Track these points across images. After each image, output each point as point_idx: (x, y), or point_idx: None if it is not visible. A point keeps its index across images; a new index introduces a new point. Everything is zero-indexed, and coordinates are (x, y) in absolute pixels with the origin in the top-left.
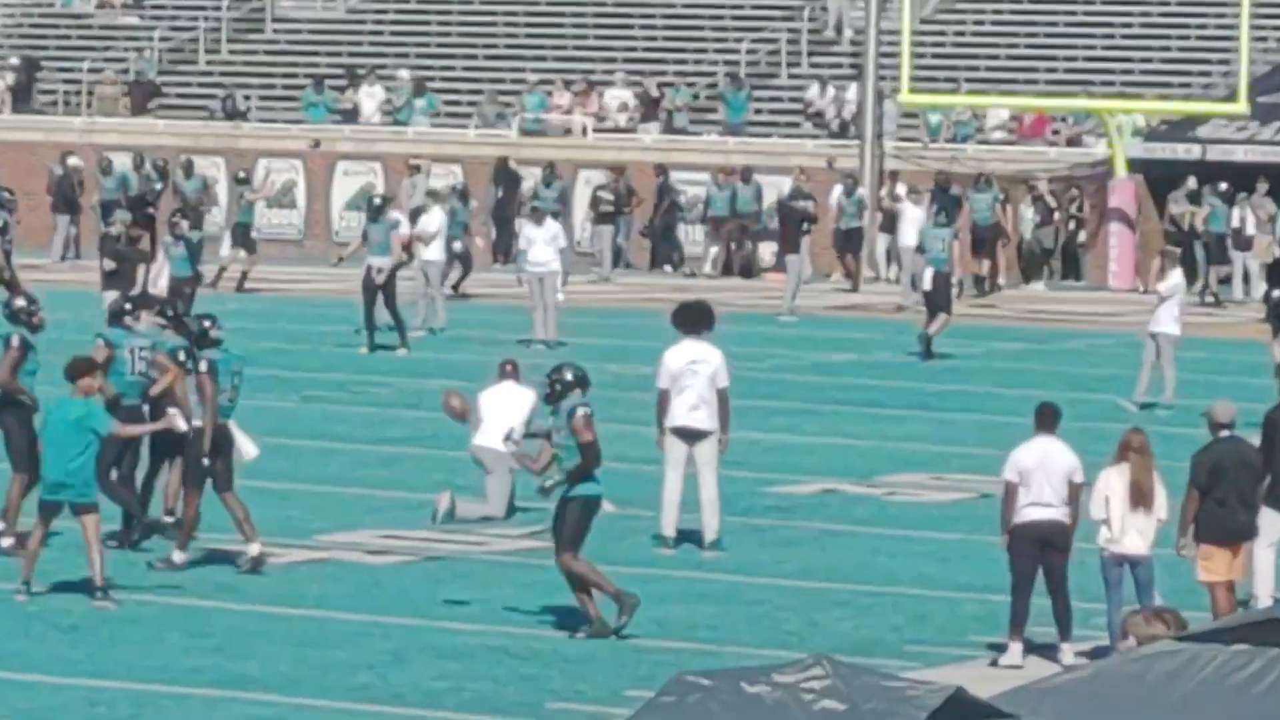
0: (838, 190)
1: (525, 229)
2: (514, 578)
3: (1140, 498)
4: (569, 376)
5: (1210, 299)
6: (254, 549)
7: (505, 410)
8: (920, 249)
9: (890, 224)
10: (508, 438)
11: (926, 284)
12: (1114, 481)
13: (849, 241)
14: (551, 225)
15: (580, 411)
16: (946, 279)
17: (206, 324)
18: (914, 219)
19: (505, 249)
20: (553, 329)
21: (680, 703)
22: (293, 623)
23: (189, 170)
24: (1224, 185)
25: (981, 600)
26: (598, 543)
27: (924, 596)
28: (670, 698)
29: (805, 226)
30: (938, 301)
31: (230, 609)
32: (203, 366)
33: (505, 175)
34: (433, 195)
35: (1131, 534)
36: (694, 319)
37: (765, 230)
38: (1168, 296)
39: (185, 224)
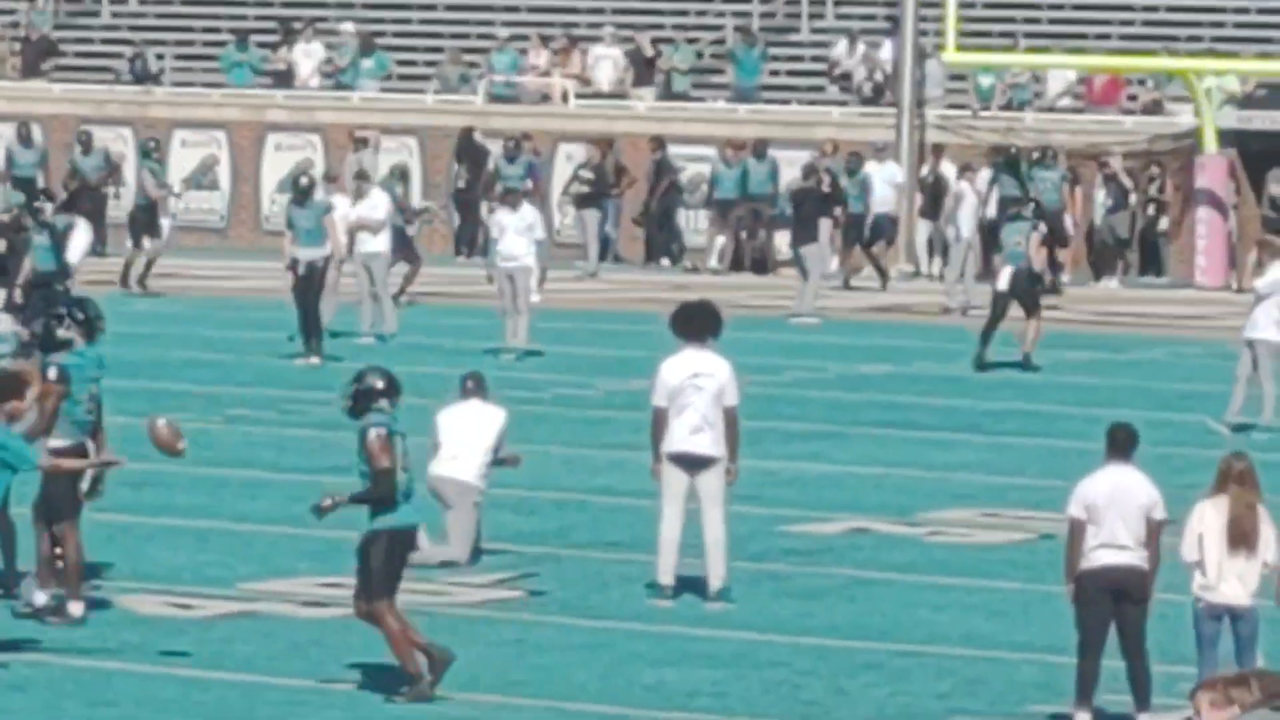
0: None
1: (497, 215)
2: (482, 635)
3: (1241, 538)
4: (372, 384)
5: None
6: (75, 608)
7: (469, 433)
8: (995, 242)
9: (934, 208)
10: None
11: (1003, 283)
12: (1210, 517)
13: (855, 230)
14: (528, 211)
15: (373, 433)
16: (1031, 276)
17: (52, 321)
18: (970, 204)
19: (470, 239)
20: (525, 334)
21: None
22: (215, 688)
23: (88, 145)
24: None
25: (1042, 662)
26: (579, 592)
27: (974, 658)
28: None
29: (834, 211)
30: (1027, 304)
31: (138, 671)
32: (50, 374)
33: (470, 150)
34: (363, 176)
35: (1231, 580)
36: (697, 324)
37: (783, 216)
38: (1266, 295)
39: (49, 207)
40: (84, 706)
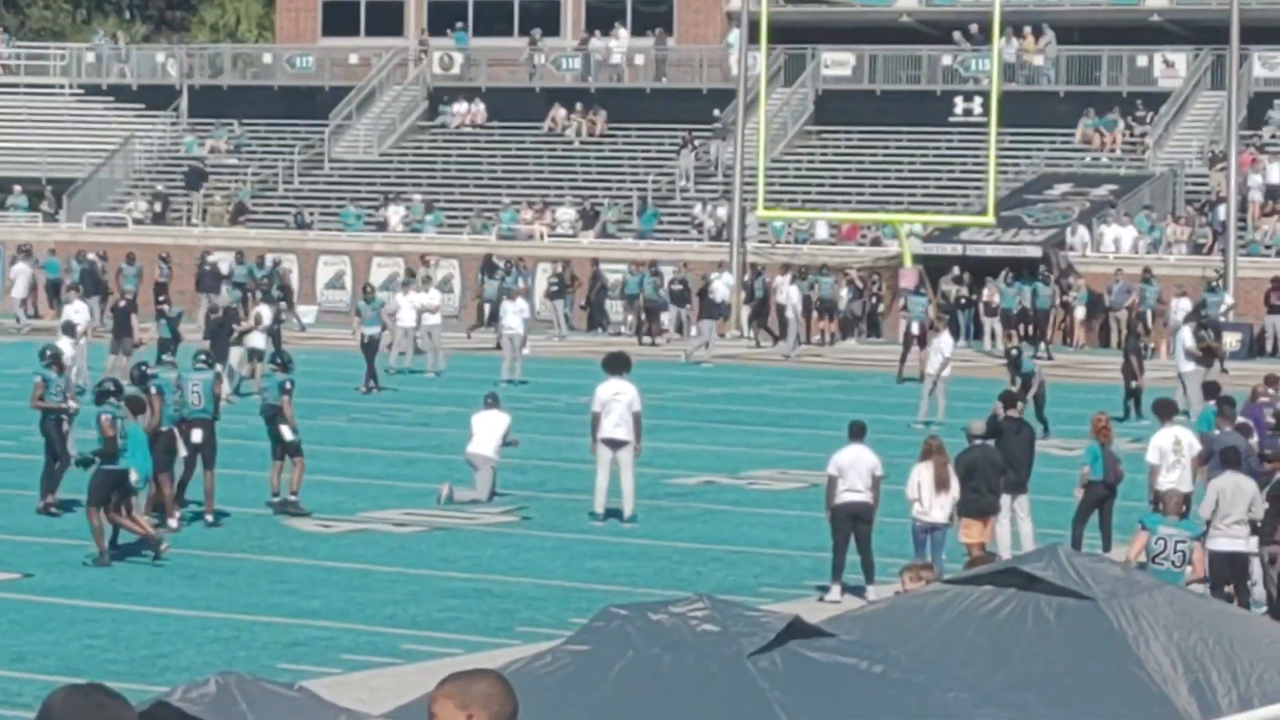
0: (713, 278)
1: (503, 304)
2: (494, 541)
3: (943, 484)
4: (107, 388)
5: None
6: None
7: (488, 427)
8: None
9: (750, 299)
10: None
11: (915, 329)
12: (924, 473)
13: (716, 310)
14: (521, 303)
15: (104, 417)
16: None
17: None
18: (793, 293)
19: (492, 318)
20: (519, 372)
21: (606, 627)
22: (343, 573)
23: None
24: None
25: (813, 556)
26: (549, 516)
27: (773, 554)
28: (600, 624)
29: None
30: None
31: (301, 563)
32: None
33: (489, 267)
34: (428, 280)
35: (936, 509)
36: (617, 363)
37: (665, 305)
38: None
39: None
40: (270, 583)
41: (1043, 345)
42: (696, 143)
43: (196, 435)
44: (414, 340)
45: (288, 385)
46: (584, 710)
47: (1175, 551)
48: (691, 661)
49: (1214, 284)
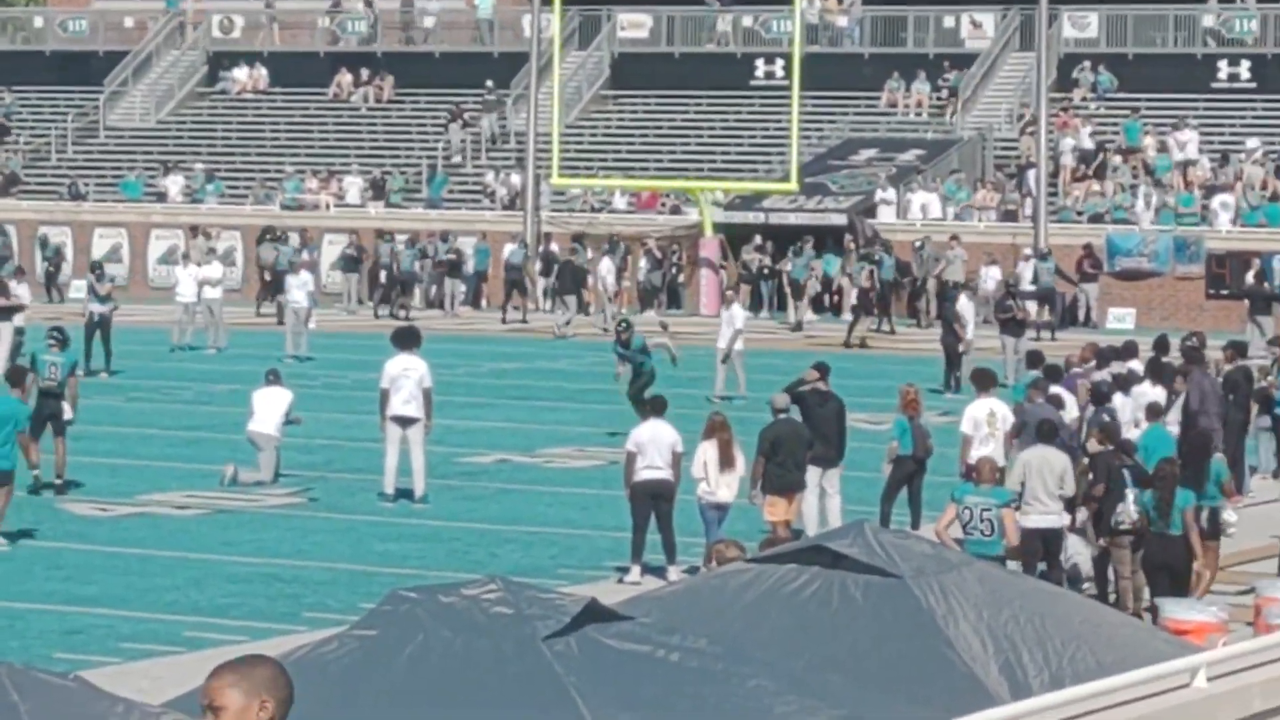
0: (509, 248)
1: (288, 277)
2: (280, 524)
3: (728, 462)
4: None
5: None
6: None
7: (270, 404)
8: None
9: (547, 270)
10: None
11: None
12: (709, 451)
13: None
14: (305, 274)
15: None
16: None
17: None
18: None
19: (273, 293)
20: (305, 347)
21: (395, 611)
22: (122, 558)
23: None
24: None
25: (612, 536)
26: (336, 497)
27: (571, 534)
28: (388, 607)
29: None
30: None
31: (77, 548)
32: None
33: (273, 237)
34: (212, 251)
35: (722, 488)
36: (407, 338)
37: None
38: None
39: None
40: (45, 569)
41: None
42: (467, 116)
43: None
44: (194, 315)
45: (78, 365)
46: (373, 696)
47: (982, 520)
48: (484, 646)
49: (1045, 251)
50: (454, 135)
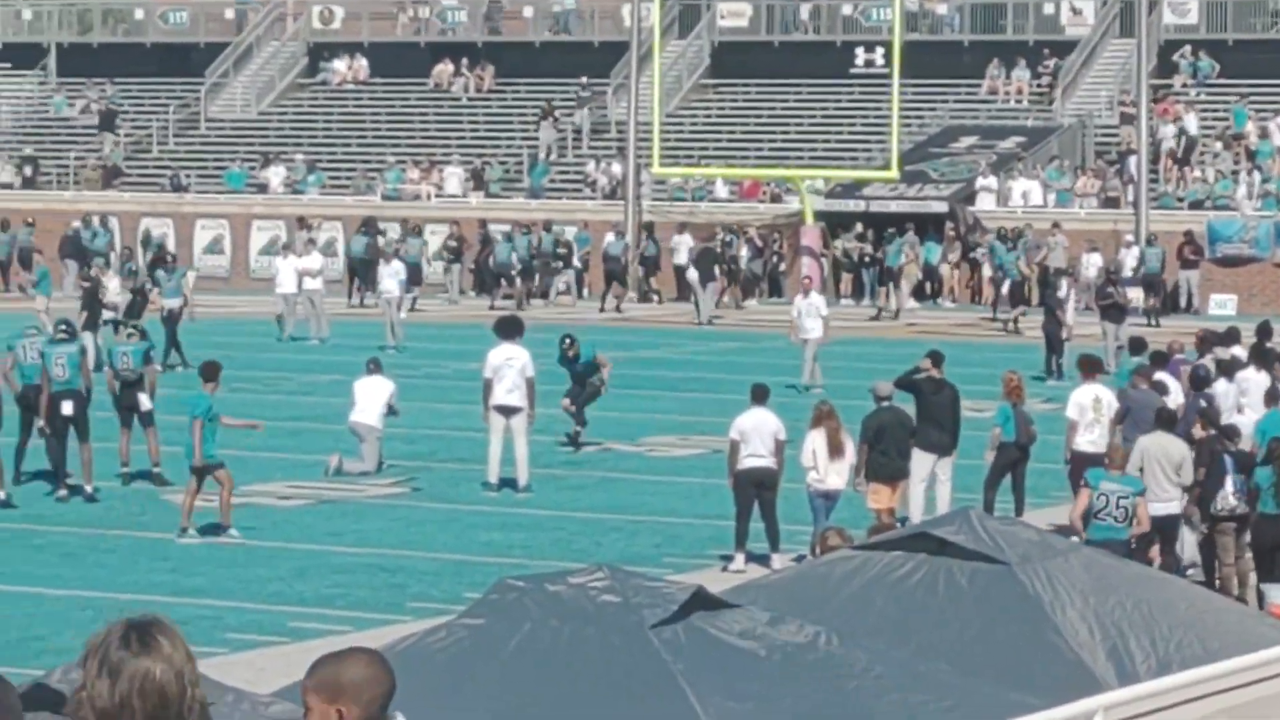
0: (608, 238)
1: (381, 267)
2: (384, 514)
3: (837, 449)
4: None
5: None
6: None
7: (372, 394)
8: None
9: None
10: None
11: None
12: (817, 439)
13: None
14: (396, 264)
15: None
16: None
17: None
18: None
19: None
20: (400, 336)
21: (502, 600)
22: (227, 549)
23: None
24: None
25: (715, 524)
26: (440, 487)
27: (674, 523)
28: (495, 596)
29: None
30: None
31: (182, 540)
32: None
33: (371, 228)
34: (313, 243)
35: (832, 476)
36: (510, 327)
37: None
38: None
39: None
40: (150, 560)
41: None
42: (558, 113)
43: (67, 408)
44: (294, 306)
45: (151, 353)
46: (480, 685)
47: (1118, 507)
48: (592, 634)
49: (1151, 237)
50: (545, 133)
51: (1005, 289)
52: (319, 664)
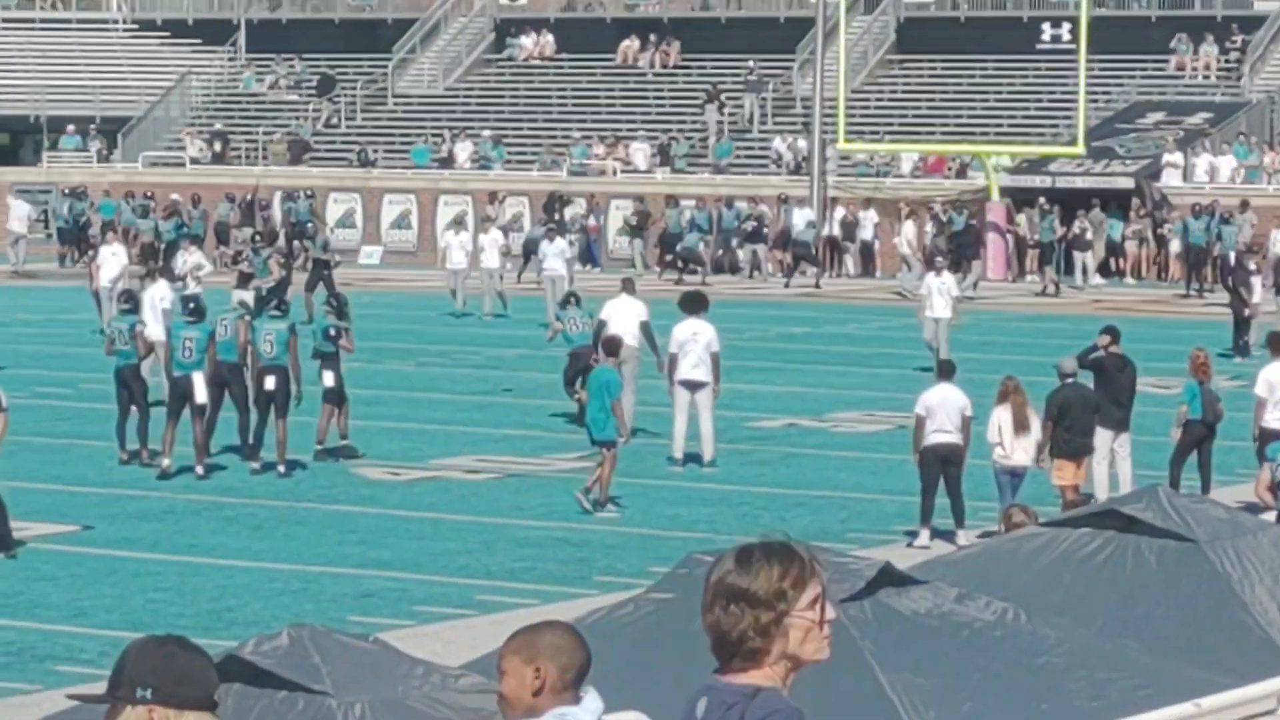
0: (796, 213)
1: (543, 245)
2: (570, 488)
3: (1022, 426)
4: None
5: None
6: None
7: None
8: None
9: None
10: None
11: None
12: (1003, 416)
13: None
14: (560, 241)
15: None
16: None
17: None
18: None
19: (584, 258)
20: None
21: (690, 575)
22: (414, 522)
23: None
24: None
25: (900, 500)
26: (625, 461)
27: (859, 499)
28: (683, 571)
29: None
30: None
31: (370, 513)
32: None
33: (550, 204)
34: (489, 218)
35: (1018, 452)
36: (694, 302)
37: (742, 241)
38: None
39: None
40: (338, 533)
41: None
42: (723, 97)
43: (270, 383)
44: (465, 281)
45: (331, 332)
46: (668, 660)
47: None
48: None
49: None
50: (709, 117)
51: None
52: (516, 632)
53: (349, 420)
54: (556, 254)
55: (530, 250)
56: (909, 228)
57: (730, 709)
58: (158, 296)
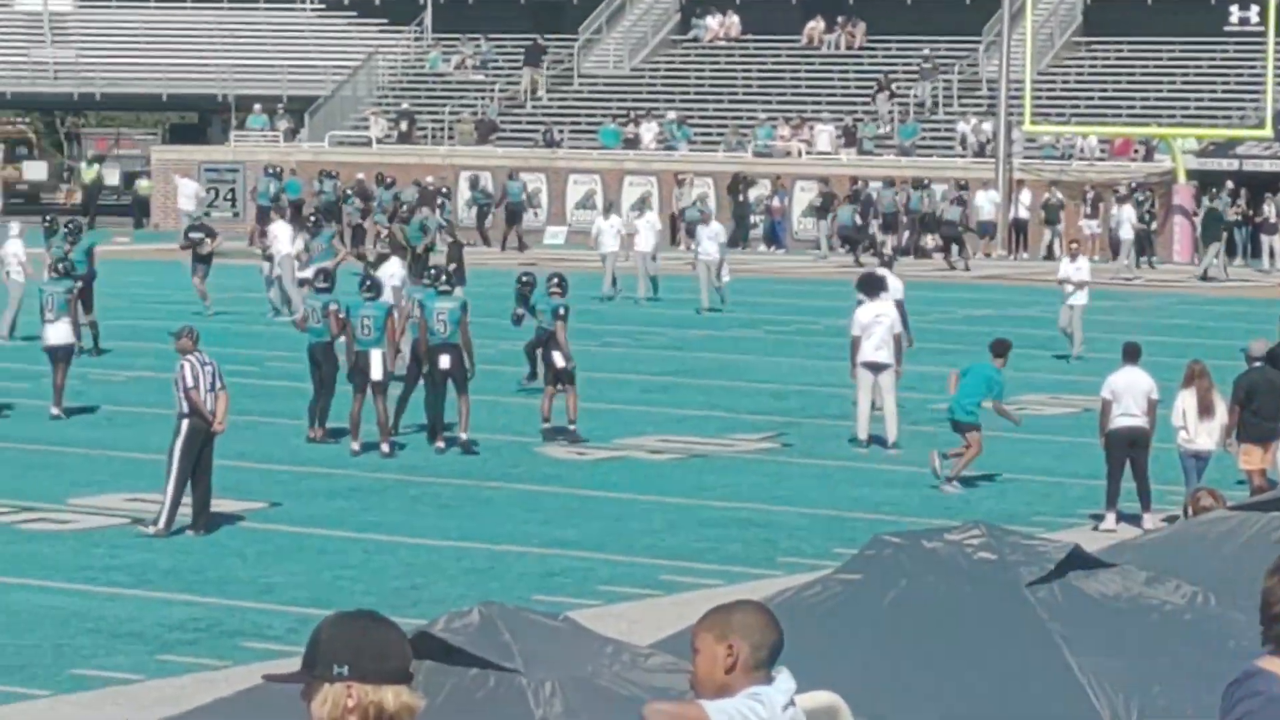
0: (979, 195)
1: (698, 229)
2: (754, 469)
3: (1207, 410)
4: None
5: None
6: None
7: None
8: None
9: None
10: None
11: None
12: (1188, 399)
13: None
14: (715, 225)
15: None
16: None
17: None
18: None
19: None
20: (724, 296)
21: (878, 556)
22: (598, 502)
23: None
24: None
25: (1086, 484)
26: (809, 442)
27: (1045, 481)
28: (871, 552)
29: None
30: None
31: (555, 492)
32: None
33: (736, 186)
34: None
35: (1202, 436)
36: (874, 285)
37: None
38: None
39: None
40: (523, 511)
41: None
42: (894, 87)
43: (444, 361)
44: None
45: (561, 311)
46: (857, 640)
47: None
48: (968, 591)
49: None
50: (881, 106)
51: None
52: (709, 610)
53: (577, 401)
54: (710, 237)
55: (689, 232)
56: (1128, 211)
57: None
58: (388, 274)
